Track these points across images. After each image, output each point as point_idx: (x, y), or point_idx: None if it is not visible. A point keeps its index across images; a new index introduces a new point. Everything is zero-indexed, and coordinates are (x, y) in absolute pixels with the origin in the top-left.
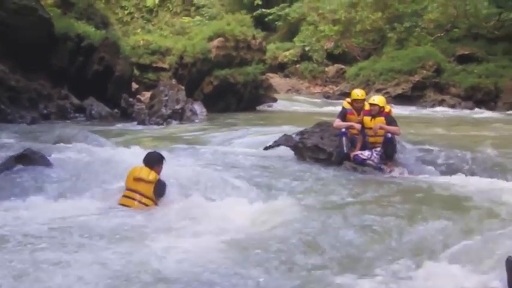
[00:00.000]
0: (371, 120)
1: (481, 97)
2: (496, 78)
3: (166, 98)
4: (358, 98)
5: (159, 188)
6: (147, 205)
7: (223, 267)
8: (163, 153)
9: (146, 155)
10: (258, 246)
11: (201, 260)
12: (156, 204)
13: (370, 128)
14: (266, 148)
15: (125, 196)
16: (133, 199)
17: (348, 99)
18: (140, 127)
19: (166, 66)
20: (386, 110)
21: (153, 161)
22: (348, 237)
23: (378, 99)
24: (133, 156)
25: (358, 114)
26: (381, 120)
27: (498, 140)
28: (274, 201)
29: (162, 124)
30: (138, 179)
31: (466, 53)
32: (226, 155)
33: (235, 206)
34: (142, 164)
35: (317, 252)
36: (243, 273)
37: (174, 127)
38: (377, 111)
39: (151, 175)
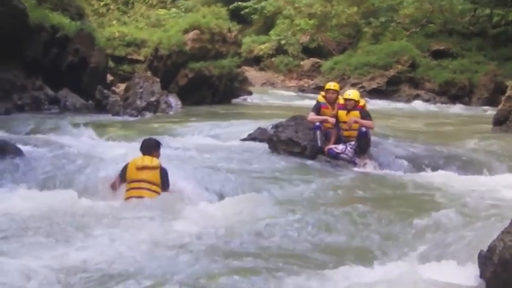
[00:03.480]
0: (346, 114)
1: (456, 92)
2: (470, 74)
3: (141, 90)
4: (330, 88)
5: (165, 176)
6: (155, 197)
7: (188, 260)
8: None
9: (142, 142)
10: (226, 240)
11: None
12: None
13: (345, 122)
14: (241, 141)
15: (132, 188)
16: (141, 188)
17: (323, 93)
18: (115, 119)
19: (141, 58)
20: (361, 104)
21: (151, 147)
22: (319, 232)
23: (353, 93)
24: (108, 148)
25: (333, 108)
26: (355, 114)
27: (473, 135)
28: (247, 195)
29: (136, 116)
30: (142, 168)
31: (441, 48)
32: (200, 147)
33: (206, 199)
34: (129, 156)
35: (286, 248)
36: (204, 267)
37: (149, 119)
38: (352, 106)
39: (154, 161)
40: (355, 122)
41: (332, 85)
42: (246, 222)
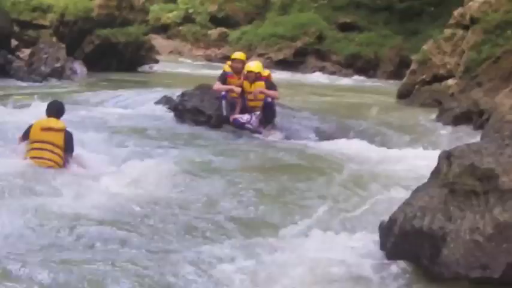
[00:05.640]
0: (250, 85)
1: (361, 65)
2: (376, 47)
3: (46, 55)
4: (236, 58)
5: (69, 140)
6: (57, 159)
7: (93, 230)
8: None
9: (48, 105)
10: (129, 209)
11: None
12: (64, 159)
13: (250, 92)
14: (146, 109)
15: (34, 149)
16: (44, 150)
17: (229, 63)
18: (18, 84)
19: (47, 23)
20: (265, 74)
21: (58, 110)
22: (219, 201)
23: (255, 65)
24: (10, 113)
25: (238, 78)
26: (261, 85)
27: (377, 108)
28: (150, 164)
29: (41, 82)
30: (47, 129)
31: (348, 21)
32: (105, 115)
33: (110, 166)
34: (38, 117)
35: (186, 217)
36: (109, 236)
37: (53, 85)
38: (253, 78)
39: (60, 123)
40: (261, 92)
41: (238, 55)
42: (148, 191)
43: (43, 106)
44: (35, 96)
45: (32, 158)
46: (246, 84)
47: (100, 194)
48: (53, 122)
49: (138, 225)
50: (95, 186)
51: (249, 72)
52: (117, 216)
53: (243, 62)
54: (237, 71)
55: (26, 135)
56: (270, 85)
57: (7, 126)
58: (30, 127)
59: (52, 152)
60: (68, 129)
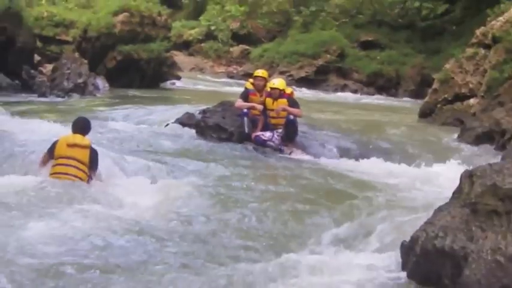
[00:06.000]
0: (273, 102)
1: (383, 83)
2: (397, 65)
3: (69, 71)
4: (258, 75)
5: (94, 157)
6: (82, 175)
7: (124, 246)
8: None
9: (75, 121)
10: (157, 224)
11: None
12: (89, 176)
13: (272, 110)
14: (167, 125)
15: (59, 164)
16: (69, 166)
17: (251, 80)
18: (41, 99)
19: (69, 39)
20: (288, 91)
21: (84, 127)
22: (244, 220)
23: (279, 82)
24: (33, 129)
25: (260, 95)
26: (283, 102)
27: (399, 127)
28: (173, 180)
29: (63, 97)
30: (73, 145)
31: (370, 39)
32: (127, 131)
33: (132, 183)
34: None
35: (209, 234)
36: (139, 250)
37: (76, 101)
38: (277, 95)
39: (85, 140)
40: (283, 109)
41: (260, 72)
42: (172, 208)
43: (64, 122)
44: (59, 111)
45: (57, 173)
46: (268, 101)
47: (113, 217)
48: (79, 139)
49: (152, 252)
50: (109, 208)
51: (273, 89)
52: (127, 244)
53: (265, 80)
54: (259, 88)
55: (51, 151)
56: (293, 102)
57: (30, 142)
58: (55, 143)
59: (77, 168)
60: (93, 146)
